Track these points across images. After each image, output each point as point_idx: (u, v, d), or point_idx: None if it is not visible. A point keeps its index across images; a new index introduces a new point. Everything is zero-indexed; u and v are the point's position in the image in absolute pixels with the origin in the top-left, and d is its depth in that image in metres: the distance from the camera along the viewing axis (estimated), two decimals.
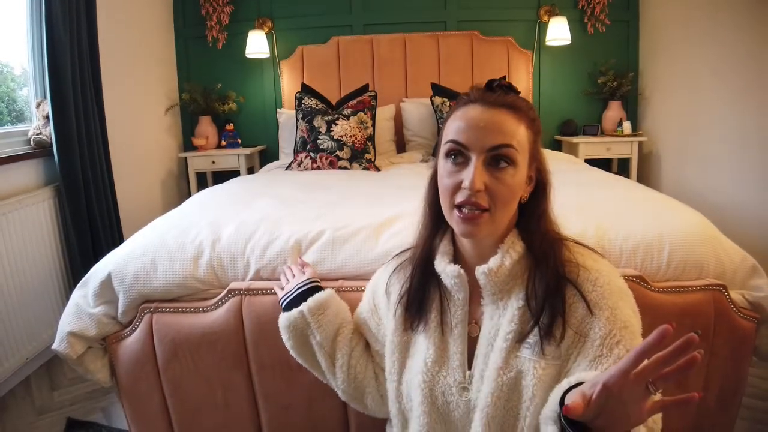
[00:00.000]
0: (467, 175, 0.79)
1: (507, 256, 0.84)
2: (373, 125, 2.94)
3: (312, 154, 2.83)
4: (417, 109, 3.24)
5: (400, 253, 1.04)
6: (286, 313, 1.07)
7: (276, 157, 3.45)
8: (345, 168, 2.76)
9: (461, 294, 0.89)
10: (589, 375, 0.68)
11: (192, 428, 1.37)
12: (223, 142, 3.59)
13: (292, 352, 1.09)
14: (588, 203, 1.55)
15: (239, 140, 3.60)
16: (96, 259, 1.48)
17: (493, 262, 0.84)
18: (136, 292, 1.33)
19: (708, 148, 2.90)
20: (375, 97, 3.02)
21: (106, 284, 1.34)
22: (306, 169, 2.79)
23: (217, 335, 1.29)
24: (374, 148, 2.91)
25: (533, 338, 0.81)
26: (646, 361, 0.56)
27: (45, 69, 2.25)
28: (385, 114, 3.19)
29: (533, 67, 3.54)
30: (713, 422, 1.31)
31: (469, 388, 0.85)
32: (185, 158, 3.50)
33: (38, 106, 2.35)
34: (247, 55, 3.52)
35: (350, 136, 2.82)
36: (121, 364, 1.35)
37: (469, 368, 0.86)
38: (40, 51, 2.32)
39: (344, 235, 1.38)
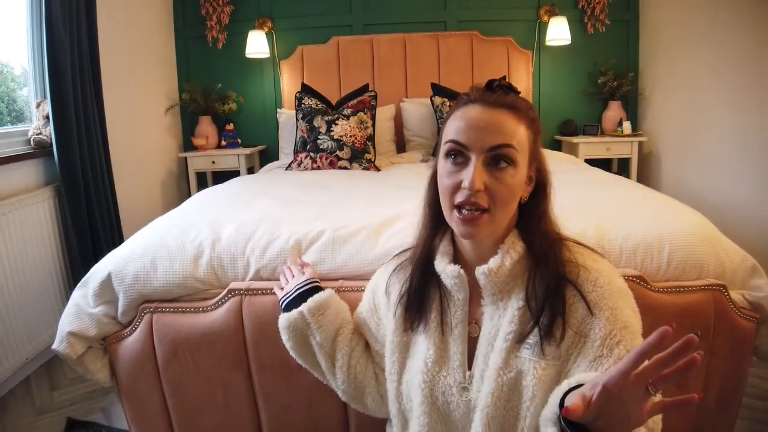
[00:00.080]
0: (467, 175, 0.79)
1: (507, 257, 0.84)
2: (373, 125, 2.94)
3: (312, 154, 2.83)
4: (417, 109, 3.24)
5: (400, 253, 1.03)
6: (285, 313, 1.07)
7: (276, 157, 3.45)
8: (345, 168, 2.76)
9: (461, 294, 0.89)
10: (588, 376, 0.68)
11: (192, 428, 1.37)
12: (223, 142, 3.59)
13: (292, 353, 1.08)
14: (588, 203, 1.55)
15: (239, 140, 3.60)
16: (96, 259, 1.48)
17: (493, 262, 0.84)
18: (136, 292, 1.33)
19: (708, 148, 2.90)
20: (375, 97, 3.02)
21: (106, 284, 1.34)
22: (306, 169, 2.79)
23: (217, 335, 1.29)
24: (374, 148, 2.91)
25: (533, 338, 0.80)
26: (646, 362, 0.56)
27: (45, 69, 2.25)
28: (385, 114, 3.19)
29: (533, 67, 3.54)
30: (713, 422, 1.31)
31: (469, 389, 0.85)
32: (185, 158, 3.50)
33: (38, 106, 2.35)
34: (247, 55, 3.52)
35: (350, 136, 2.82)
36: (121, 364, 1.35)
37: (469, 368, 0.86)
38: (40, 51, 2.32)
39: (344, 235, 1.38)
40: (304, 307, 1.05)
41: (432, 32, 3.50)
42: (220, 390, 1.33)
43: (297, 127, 2.98)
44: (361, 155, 2.81)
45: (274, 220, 1.47)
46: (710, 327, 1.23)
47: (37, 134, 2.28)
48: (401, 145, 3.29)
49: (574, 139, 3.38)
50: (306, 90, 3.08)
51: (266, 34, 3.55)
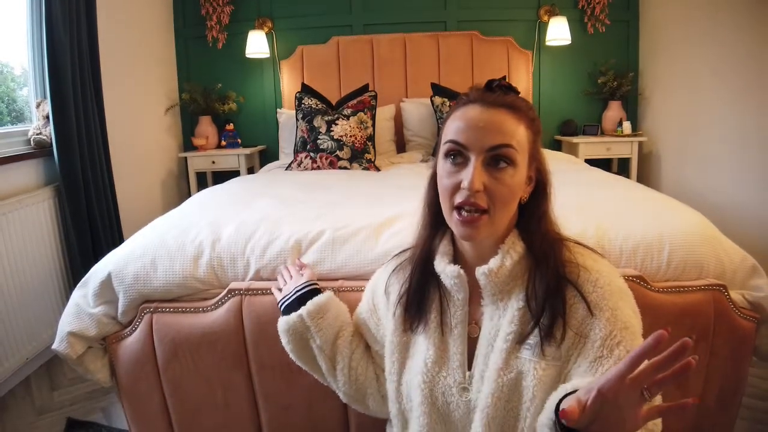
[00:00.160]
0: (466, 176, 0.79)
1: (507, 257, 0.84)
2: (373, 125, 2.94)
3: (312, 154, 2.83)
4: (417, 109, 3.24)
5: (400, 253, 1.03)
6: (285, 317, 1.06)
7: (276, 157, 3.45)
8: (345, 168, 2.76)
9: (461, 294, 0.88)
10: (583, 382, 0.69)
11: (192, 428, 1.37)
12: (223, 142, 3.59)
13: (291, 356, 1.08)
14: (588, 203, 1.55)
15: (239, 140, 3.60)
16: (96, 259, 1.48)
17: (494, 262, 0.84)
18: (136, 292, 1.33)
19: (708, 148, 2.90)
20: (375, 97, 3.02)
21: (106, 284, 1.34)
22: (306, 169, 2.79)
23: (217, 335, 1.29)
24: (374, 148, 2.91)
25: (533, 339, 0.80)
26: (641, 366, 0.56)
27: (45, 69, 2.25)
28: (385, 114, 3.19)
29: (533, 67, 3.54)
30: (713, 422, 1.31)
31: (469, 389, 0.85)
32: (185, 158, 3.50)
33: (38, 106, 2.35)
34: (247, 55, 3.52)
35: (350, 136, 2.82)
36: (121, 364, 1.35)
37: (469, 369, 0.86)
38: (40, 51, 2.32)
39: (344, 235, 1.38)
40: (303, 310, 1.04)
41: (432, 32, 3.50)
42: (220, 390, 1.33)
43: (297, 127, 2.98)
44: (361, 155, 2.81)
45: (274, 220, 1.47)
46: (710, 327, 1.23)
47: (37, 134, 2.28)
48: (401, 145, 3.29)
49: (574, 139, 3.38)
50: (306, 90, 3.08)
51: (266, 34, 3.55)
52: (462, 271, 0.87)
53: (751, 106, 2.55)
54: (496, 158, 0.80)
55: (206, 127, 3.59)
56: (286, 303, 1.09)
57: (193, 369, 1.32)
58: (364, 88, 3.07)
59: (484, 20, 3.53)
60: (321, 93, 3.06)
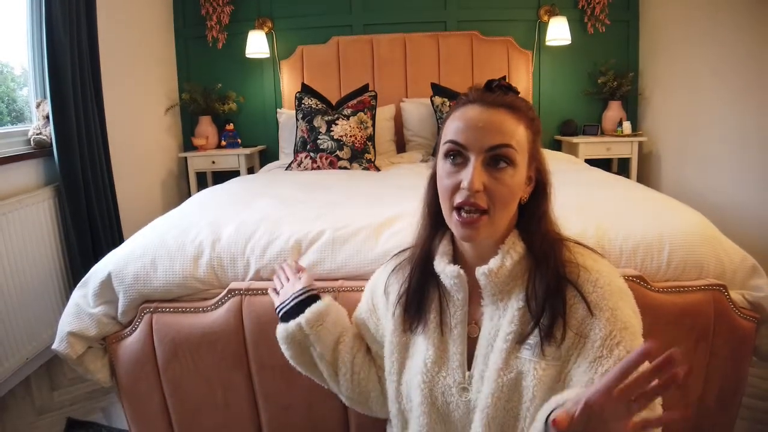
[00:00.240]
0: (466, 176, 0.79)
1: (507, 257, 0.84)
2: (373, 125, 2.94)
3: (312, 154, 2.83)
4: (417, 109, 3.24)
5: (399, 252, 1.03)
6: (283, 324, 1.03)
7: (276, 157, 3.45)
8: (345, 168, 2.76)
9: (461, 294, 0.88)
10: (572, 393, 0.69)
11: (192, 428, 1.37)
12: (223, 142, 3.59)
13: (291, 362, 1.06)
14: (588, 203, 1.55)
15: (239, 140, 3.60)
16: (96, 259, 1.48)
17: (494, 262, 0.84)
18: (136, 292, 1.33)
19: (708, 148, 2.90)
20: (375, 97, 3.02)
21: (106, 284, 1.34)
22: (306, 169, 2.79)
23: (217, 335, 1.29)
24: (374, 148, 2.91)
25: (533, 339, 0.80)
26: (629, 378, 0.55)
27: (45, 69, 2.25)
28: (385, 114, 3.19)
29: (533, 67, 3.54)
30: (713, 422, 1.31)
31: (468, 389, 0.85)
32: (185, 158, 3.50)
33: (38, 106, 2.35)
34: (247, 55, 3.52)
35: (350, 136, 2.82)
36: (121, 364, 1.35)
37: (469, 369, 0.86)
38: (40, 51, 2.32)
39: (344, 235, 1.38)
40: (302, 318, 1.01)
41: (432, 32, 3.50)
42: (220, 390, 1.33)
43: (297, 127, 2.98)
44: (361, 155, 2.81)
45: (274, 220, 1.47)
46: (710, 327, 1.23)
47: (37, 134, 2.28)
48: (401, 145, 3.29)
49: (574, 139, 3.38)
50: (306, 90, 3.08)
51: (266, 34, 3.55)
52: (462, 271, 0.87)
53: (751, 106, 2.55)
54: (496, 158, 0.80)
55: (206, 127, 3.59)
56: (285, 309, 1.06)
57: (193, 369, 1.32)
58: (364, 88, 3.07)
59: (484, 20, 3.53)
60: (321, 93, 3.07)
